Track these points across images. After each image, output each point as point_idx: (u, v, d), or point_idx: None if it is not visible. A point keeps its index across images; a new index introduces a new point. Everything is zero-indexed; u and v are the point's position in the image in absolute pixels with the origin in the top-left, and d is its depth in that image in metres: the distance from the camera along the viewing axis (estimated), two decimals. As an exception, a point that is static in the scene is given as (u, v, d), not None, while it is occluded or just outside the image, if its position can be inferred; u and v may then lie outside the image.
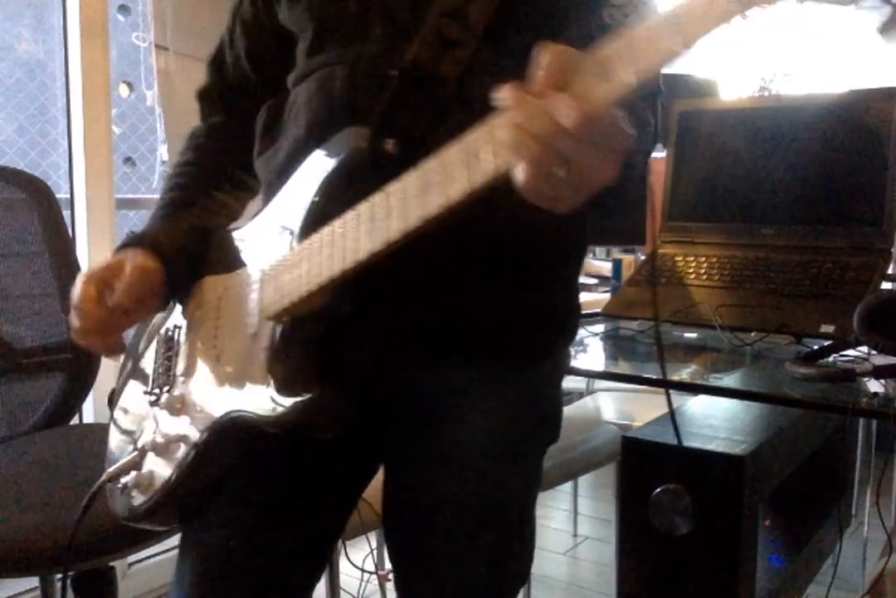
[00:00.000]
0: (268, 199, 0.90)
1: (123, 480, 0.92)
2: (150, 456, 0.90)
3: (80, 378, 1.56)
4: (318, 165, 0.82)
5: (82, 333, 0.90)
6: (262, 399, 0.79)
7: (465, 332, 0.85)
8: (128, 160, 3.70)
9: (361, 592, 1.76)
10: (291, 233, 0.82)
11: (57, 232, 1.55)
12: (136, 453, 0.92)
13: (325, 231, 0.75)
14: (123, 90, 3.56)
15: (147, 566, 2.13)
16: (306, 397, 0.76)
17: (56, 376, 1.53)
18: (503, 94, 0.57)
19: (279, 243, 0.84)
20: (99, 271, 0.89)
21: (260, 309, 0.82)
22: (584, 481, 2.78)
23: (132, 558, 2.07)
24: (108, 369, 1.79)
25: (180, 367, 0.92)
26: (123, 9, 3.13)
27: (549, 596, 2.21)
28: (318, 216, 0.80)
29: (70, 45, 1.97)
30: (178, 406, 0.89)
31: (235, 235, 0.93)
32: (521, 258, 0.86)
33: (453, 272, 0.83)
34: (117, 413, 1.01)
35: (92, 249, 2.00)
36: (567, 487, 2.63)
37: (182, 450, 0.87)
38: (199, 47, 2.06)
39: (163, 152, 2.10)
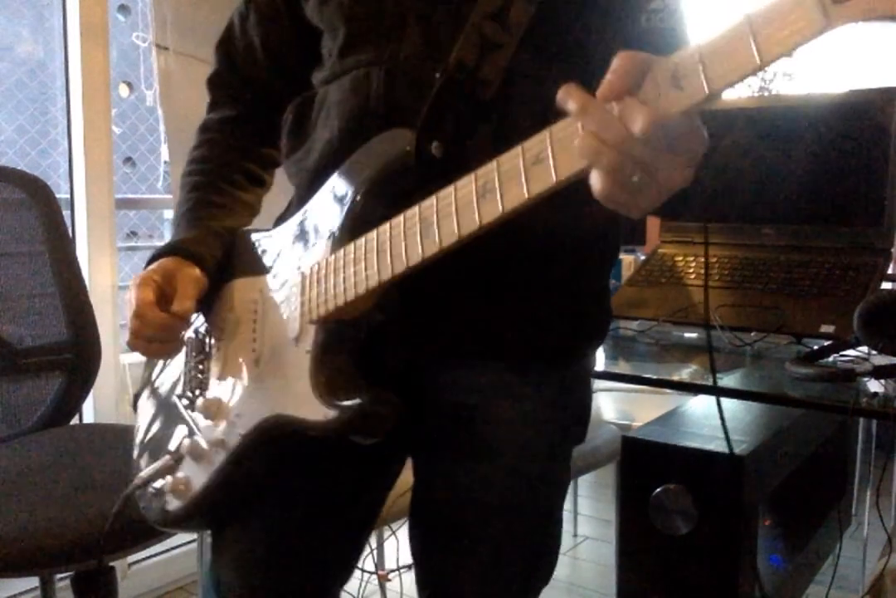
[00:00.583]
0: (301, 199, 0.88)
1: (156, 485, 0.91)
2: (187, 461, 0.89)
3: (80, 378, 1.56)
4: (360, 166, 0.81)
5: (144, 340, 0.86)
6: (309, 404, 0.77)
7: (502, 334, 0.85)
8: (128, 160, 3.70)
9: (361, 592, 1.76)
10: (331, 235, 0.81)
11: (57, 232, 1.55)
12: (168, 457, 0.90)
13: (371, 235, 0.74)
14: (123, 90, 3.56)
15: (147, 566, 2.13)
16: (356, 401, 0.75)
17: (56, 376, 1.53)
18: (571, 99, 0.55)
19: (317, 245, 0.82)
20: (152, 275, 0.86)
21: (303, 313, 0.81)
22: (584, 481, 2.77)
23: (132, 558, 2.07)
24: (108, 369, 1.79)
25: (214, 370, 0.90)
26: (123, 9, 3.14)
27: (549, 596, 2.21)
28: (360, 218, 0.79)
29: (70, 45, 1.97)
30: (215, 410, 0.88)
31: (265, 235, 0.92)
32: (560, 262, 0.86)
33: (491, 276, 0.82)
34: (143, 417, 1.00)
35: (92, 249, 2.00)
36: (567, 487, 2.62)
37: (221, 454, 0.86)
38: (199, 47, 2.05)
39: (163, 152, 2.10)
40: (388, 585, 1.87)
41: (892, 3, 0.43)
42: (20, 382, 1.50)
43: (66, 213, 1.67)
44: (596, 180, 0.56)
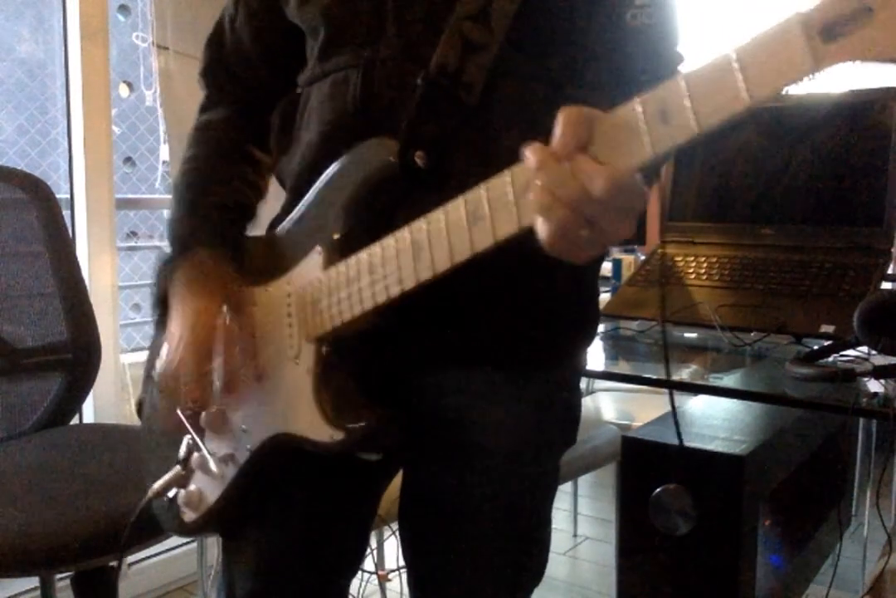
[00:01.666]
0: (289, 205, 0.88)
1: (170, 494, 0.91)
2: (197, 474, 0.89)
3: (80, 378, 1.56)
4: (344, 178, 0.79)
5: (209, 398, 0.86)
6: (315, 425, 0.77)
7: (487, 338, 0.84)
8: (128, 160, 3.70)
9: (361, 592, 1.76)
10: (321, 251, 0.80)
11: (57, 232, 1.55)
12: (178, 468, 0.90)
13: (363, 256, 0.73)
14: (123, 90, 3.56)
15: (147, 566, 2.13)
16: (362, 424, 0.75)
17: (56, 376, 1.53)
18: (532, 155, 0.57)
19: (309, 260, 0.81)
20: (194, 340, 0.82)
21: (300, 332, 0.81)
22: (584, 481, 2.77)
23: (132, 558, 2.07)
24: (108, 369, 1.79)
25: (217, 382, 0.89)
26: (123, 9, 3.13)
27: (549, 596, 2.21)
28: (347, 234, 0.78)
29: (70, 45, 1.97)
30: (220, 423, 0.87)
31: (257, 243, 0.91)
32: (546, 268, 0.85)
33: (476, 282, 0.80)
34: (149, 425, 1.00)
35: (92, 249, 2.00)
36: (567, 487, 2.62)
37: (231, 469, 0.86)
38: (199, 47, 2.05)
39: (163, 152, 2.10)
40: (388, 585, 1.87)
41: (884, 46, 0.42)
42: (20, 382, 1.50)
43: (66, 213, 1.66)
44: (543, 231, 0.58)
